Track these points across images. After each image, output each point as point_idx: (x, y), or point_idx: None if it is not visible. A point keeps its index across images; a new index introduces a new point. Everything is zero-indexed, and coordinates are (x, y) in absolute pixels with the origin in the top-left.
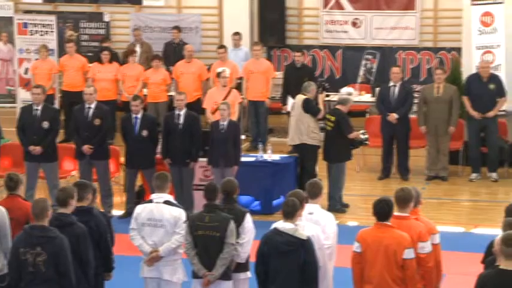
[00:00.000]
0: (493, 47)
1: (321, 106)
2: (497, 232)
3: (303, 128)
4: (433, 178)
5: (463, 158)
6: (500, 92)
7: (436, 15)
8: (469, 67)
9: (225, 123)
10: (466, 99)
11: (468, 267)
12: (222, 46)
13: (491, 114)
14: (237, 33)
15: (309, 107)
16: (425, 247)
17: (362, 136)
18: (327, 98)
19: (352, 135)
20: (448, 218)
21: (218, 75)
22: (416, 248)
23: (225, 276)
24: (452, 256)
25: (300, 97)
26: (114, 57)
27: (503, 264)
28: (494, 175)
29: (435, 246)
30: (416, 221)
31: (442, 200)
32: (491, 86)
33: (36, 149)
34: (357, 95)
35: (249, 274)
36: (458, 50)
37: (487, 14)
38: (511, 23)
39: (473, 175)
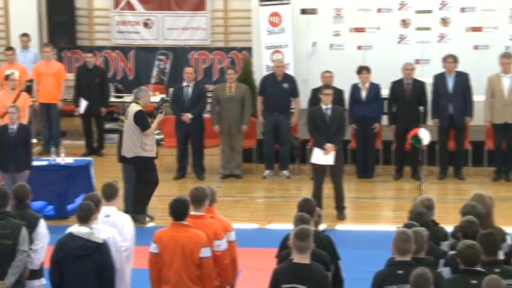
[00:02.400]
0: (281, 46)
1: (154, 125)
2: (290, 227)
3: (136, 141)
4: (227, 176)
5: (256, 156)
6: (294, 92)
7: (226, 16)
8: (259, 66)
9: (15, 126)
10: (259, 99)
11: (264, 263)
12: (9, 48)
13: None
14: (25, 35)
15: (139, 120)
16: (221, 245)
17: (157, 136)
18: (121, 100)
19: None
20: (243, 215)
21: (6, 78)
22: (213, 246)
23: (18, 284)
24: (248, 252)
25: (133, 107)
26: None
27: (297, 258)
28: (286, 172)
29: (231, 243)
30: (212, 219)
31: (237, 197)
32: (286, 85)
33: None
34: (151, 96)
35: (43, 281)
36: (249, 49)
37: (274, 14)
38: (297, 23)
39: (267, 172)
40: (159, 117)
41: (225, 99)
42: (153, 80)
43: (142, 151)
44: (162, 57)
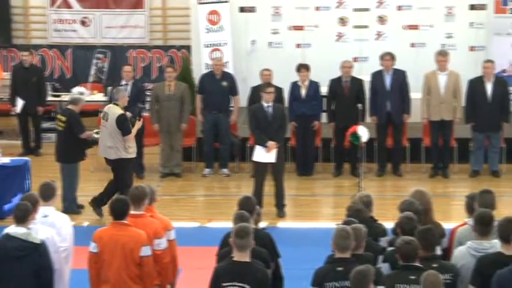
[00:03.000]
0: (220, 44)
1: (134, 132)
2: (230, 225)
3: (119, 143)
4: (167, 175)
5: (196, 154)
6: (233, 90)
7: (164, 14)
8: (198, 65)
9: None
10: (199, 98)
11: (204, 261)
12: None
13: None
14: None
15: (121, 124)
16: (161, 244)
17: (96, 136)
18: (58, 99)
19: (84, 135)
20: (183, 214)
21: None
22: (153, 245)
23: None
24: (188, 251)
25: (114, 110)
26: None
27: (237, 256)
28: (225, 170)
29: (171, 242)
30: (152, 218)
31: (177, 196)
32: (225, 84)
33: None
34: (89, 95)
35: None
36: (188, 48)
37: (213, 12)
38: (236, 21)
39: (206, 170)
40: (138, 124)
41: (164, 98)
42: (91, 79)
43: (126, 153)
44: (100, 55)
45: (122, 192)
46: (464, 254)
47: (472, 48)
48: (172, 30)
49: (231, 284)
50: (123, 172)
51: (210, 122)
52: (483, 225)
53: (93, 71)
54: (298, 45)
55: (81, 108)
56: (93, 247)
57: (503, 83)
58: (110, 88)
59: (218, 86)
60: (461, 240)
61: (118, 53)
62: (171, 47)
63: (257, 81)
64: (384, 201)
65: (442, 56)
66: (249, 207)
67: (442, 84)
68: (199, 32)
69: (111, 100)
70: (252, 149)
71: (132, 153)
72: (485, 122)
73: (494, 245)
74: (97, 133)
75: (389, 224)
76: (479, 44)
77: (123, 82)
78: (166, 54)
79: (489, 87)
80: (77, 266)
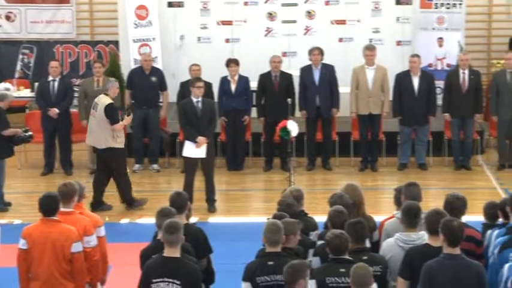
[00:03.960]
0: (149, 39)
1: (123, 123)
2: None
3: (107, 133)
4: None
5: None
6: (162, 85)
7: (91, 9)
8: (127, 60)
9: None
10: (127, 93)
11: (135, 258)
12: None
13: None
14: None
15: (110, 113)
16: (91, 241)
17: (25, 133)
18: None
19: (7, 132)
20: (113, 210)
21: None
22: (83, 242)
23: None
24: (118, 247)
25: (103, 99)
26: None
27: (167, 251)
28: (155, 166)
29: (101, 239)
30: (81, 215)
31: (106, 192)
32: (153, 79)
33: None
34: (15, 91)
35: None
36: (116, 43)
37: (141, 7)
38: (164, 16)
39: (136, 166)
40: (127, 119)
41: (92, 94)
42: (17, 75)
43: (114, 143)
44: (26, 51)
45: (117, 181)
46: (392, 246)
47: (398, 43)
48: (100, 25)
49: (161, 280)
50: (115, 161)
51: (139, 117)
52: (410, 217)
53: (19, 66)
54: (227, 40)
55: (9, 104)
56: (22, 244)
57: (430, 77)
58: (36, 84)
59: (147, 82)
60: (390, 233)
61: (44, 49)
62: (99, 42)
63: (186, 76)
64: (314, 195)
65: (369, 50)
66: (180, 203)
67: (369, 78)
68: (127, 27)
69: (103, 90)
70: (181, 145)
71: (120, 142)
72: (412, 116)
73: (422, 236)
74: (25, 131)
75: (319, 218)
76: (405, 38)
77: (50, 78)
78: (94, 49)
79: (416, 82)
80: (7, 264)
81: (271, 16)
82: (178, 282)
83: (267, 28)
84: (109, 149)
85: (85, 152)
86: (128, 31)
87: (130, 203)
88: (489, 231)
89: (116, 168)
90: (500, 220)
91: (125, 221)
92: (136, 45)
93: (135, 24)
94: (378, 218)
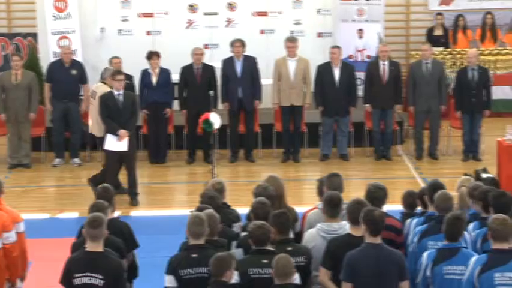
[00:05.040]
0: (68, 32)
1: None
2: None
3: None
4: (16, 166)
5: (45, 144)
6: (83, 78)
7: (9, 1)
8: (46, 53)
9: None
10: (47, 86)
11: (55, 253)
12: None
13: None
14: None
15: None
16: (10, 237)
17: None
18: None
19: None
20: (33, 205)
21: None
22: (1, 238)
23: None
24: (39, 243)
25: (101, 88)
26: None
27: (89, 246)
28: (77, 160)
29: (20, 235)
30: (0, 211)
31: (26, 187)
32: (74, 72)
33: None
34: None
35: None
36: (34, 35)
37: None
38: (84, 8)
39: (57, 160)
40: None
41: (10, 87)
42: None
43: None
44: None
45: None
46: (314, 236)
47: (319, 35)
48: (18, 17)
49: (83, 274)
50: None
51: (59, 111)
52: (332, 207)
53: None
54: (148, 33)
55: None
56: None
57: (350, 69)
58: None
59: (67, 75)
60: (312, 224)
61: None
62: (17, 35)
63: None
64: (237, 187)
65: (290, 42)
66: (107, 197)
67: (291, 70)
68: (46, 19)
69: (101, 79)
70: (103, 138)
71: None
72: (334, 107)
73: (343, 226)
74: None
75: (242, 210)
76: (326, 30)
77: None
78: (12, 42)
79: (336, 73)
80: None
81: (192, 8)
82: (100, 277)
83: (189, 20)
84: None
85: (4, 147)
86: (47, 23)
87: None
88: (408, 220)
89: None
90: (419, 209)
91: (45, 216)
92: (55, 37)
93: (54, 16)
94: (300, 209)
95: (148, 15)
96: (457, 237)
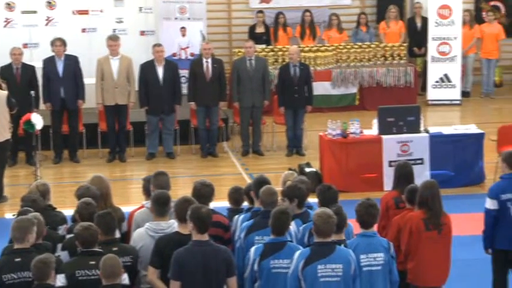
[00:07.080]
0: None
1: None
2: None
3: (6, 124)
4: None
5: None
6: None
7: None
8: None
9: None
10: None
11: None
12: None
13: None
14: None
15: (11, 102)
16: None
17: None
18: None
19: None
20: None
21: None
22: None
23: None
24: None
25: (2, 92)
26: None
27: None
28: None
29: None
30: None
31: None
32: None
33: None
34: None
35: None
36: None
37: None
38: None
39: None
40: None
41: None
42: None
43: (7, 134)
44: None
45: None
46: (142, 236)
47: (142, 33)
48: None
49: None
50: (6, 153)
51: None
52: (160, 206)
53: None
54: None
55: None
56: None
57: (174, 67)
58: None
59: None
60: (140, 223)
61: None
62: None
63: None
64: (62, 188)
65: (112, 40)
66: None
67: (114, 69)
68: None
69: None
70: None
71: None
72: (159, 105)
73: (172, 224)
74: None
75: (68, 212)
76: (149, 28)
77: None
78: None
79: (160, 71)
80: None
81: (9, 6)
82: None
83: (6, 19)
84: (6, 141)
85: None
86: None
87: None
88: (236, 216)
89: (3, 159)
90: (246, 204)
91: None
92: None
93: None
94: (127, 209)
95: None
96: (283, 231)
